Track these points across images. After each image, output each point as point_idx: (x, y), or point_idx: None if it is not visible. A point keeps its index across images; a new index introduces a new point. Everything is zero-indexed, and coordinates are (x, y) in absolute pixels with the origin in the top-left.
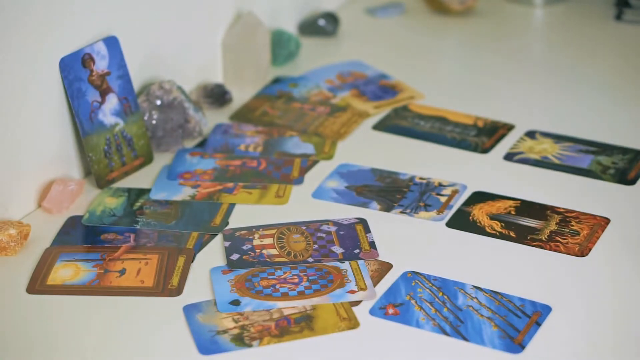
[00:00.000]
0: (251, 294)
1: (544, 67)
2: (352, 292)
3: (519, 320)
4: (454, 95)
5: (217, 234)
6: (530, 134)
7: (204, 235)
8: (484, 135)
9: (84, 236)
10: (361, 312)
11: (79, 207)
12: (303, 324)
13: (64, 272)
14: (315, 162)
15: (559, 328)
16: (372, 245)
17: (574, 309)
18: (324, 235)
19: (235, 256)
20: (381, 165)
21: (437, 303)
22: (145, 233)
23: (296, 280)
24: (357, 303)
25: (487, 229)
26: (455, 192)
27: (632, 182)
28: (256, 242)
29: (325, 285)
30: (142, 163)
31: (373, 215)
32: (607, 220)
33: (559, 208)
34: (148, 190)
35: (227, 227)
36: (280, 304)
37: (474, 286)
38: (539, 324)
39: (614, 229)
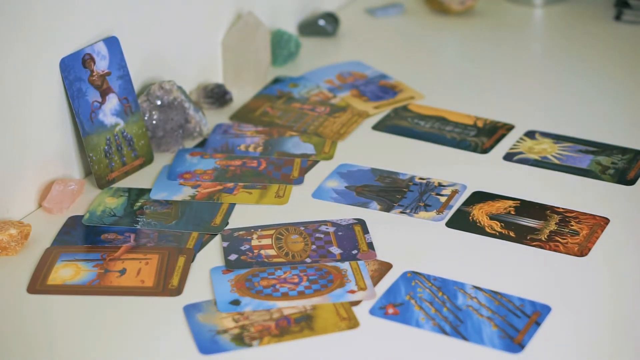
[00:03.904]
0: (251, 293)
1: (544, 67)
2: (352, 292)
3: (519, 320)
4: (454, 96)
5: (217, 234)
6: (530, 134)
7: (204, 235)
8: (483, 136)
9: (84, 236)
10: (361, 311)
11: (80, 207)
12: (303, 324)
13: (65, 272)
14: (315, 162)
15: (559, 328)
16: (370, 246)
17: (573, 309)
18: (322, 236)
19: (233, 256)
20: (381, 165)
21: (437, 303)
22: (146, 233)
23: (296, 280)
24: (357, 303)
25: (487, 229)
26: (455, 192)
27: (631, 182)
28: (254, 242)
29: (325, 285)
30: (143, 163)
31: (373, 215)
32: (606, 220)
33: (558, 208)
34: (148, 190)
35: (227, 228)
36: (280, 303)
37: (474, 286)
38: (538, 324)
39: (613, 229)
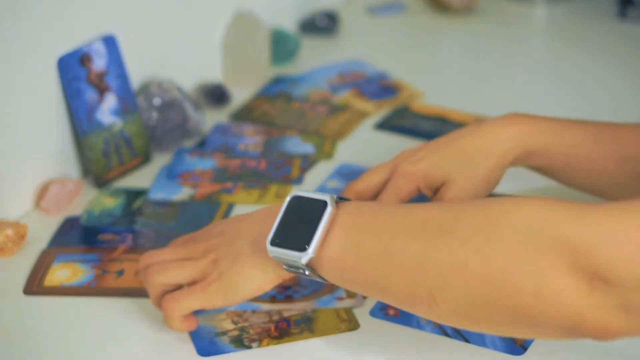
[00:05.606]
0: None
1: (545, 66)
2: (340, 298)
3: None
4: (454, 95)
5: None
6: None
7: None
8: None
9: (81, 236)
10: (361, 313)
11: (77, 207)
12: (303, 326)
13: (62, 273)
14: (315, 162)
15: None
16: None
17: None
18: None
19: None
20: None
21: None
22: (144, 233)
23: (286, 284)
24: None
25: None
26: None
27: None
28: None
29: (316, 290)
30: (141, 163)
31: None
32: None
33: None
34: (147, 190)
35: None
36: (264, 306)
37: None
38: None
39: None
